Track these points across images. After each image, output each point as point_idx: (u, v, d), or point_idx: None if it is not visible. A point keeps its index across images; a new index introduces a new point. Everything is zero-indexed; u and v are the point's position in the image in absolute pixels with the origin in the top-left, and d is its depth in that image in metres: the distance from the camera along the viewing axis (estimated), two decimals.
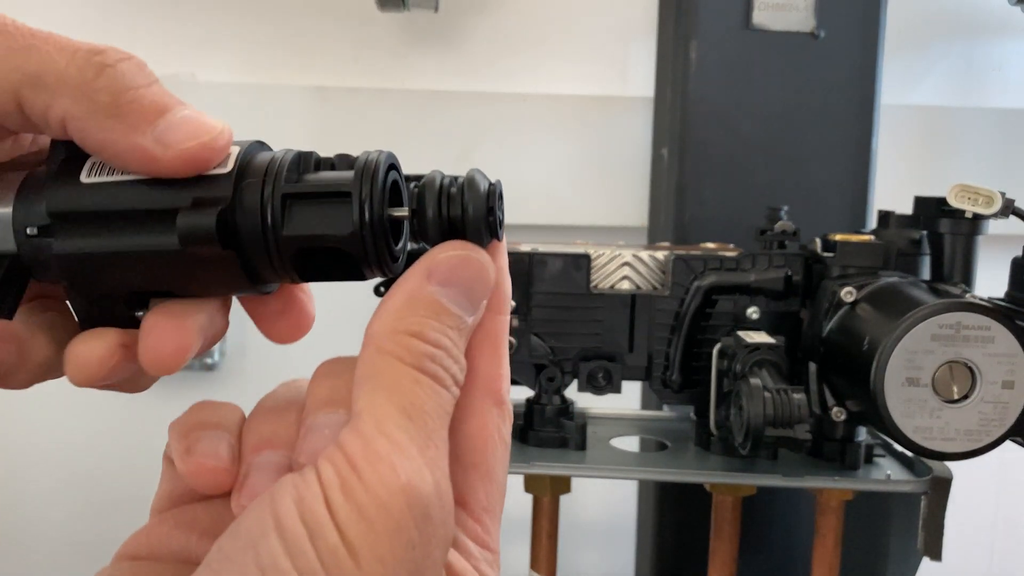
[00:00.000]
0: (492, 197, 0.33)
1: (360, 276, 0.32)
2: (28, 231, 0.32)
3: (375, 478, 0.27)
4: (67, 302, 0.34)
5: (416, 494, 0.27)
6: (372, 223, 0.30)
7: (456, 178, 0.33)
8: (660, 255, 0.72)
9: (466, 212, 0.32)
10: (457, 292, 0.30)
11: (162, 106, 0.31)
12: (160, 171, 0.30)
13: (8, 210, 0.32)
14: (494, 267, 0.32)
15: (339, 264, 0.32)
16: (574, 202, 1.09)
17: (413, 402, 0.28)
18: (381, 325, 0.30)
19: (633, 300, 0.73)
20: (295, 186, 0.31)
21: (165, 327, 0.31)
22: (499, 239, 0.33)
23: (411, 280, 0.30)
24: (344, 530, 0.26)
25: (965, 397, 0.59)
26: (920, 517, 0.68)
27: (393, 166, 0.32)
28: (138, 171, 0.31)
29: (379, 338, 0.29)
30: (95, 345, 0.32)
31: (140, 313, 0.32)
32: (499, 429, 0.32)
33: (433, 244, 0.32)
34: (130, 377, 0.34)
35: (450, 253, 0.31)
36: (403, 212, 0.32)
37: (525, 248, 0.72)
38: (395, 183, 0.33)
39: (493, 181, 0.33)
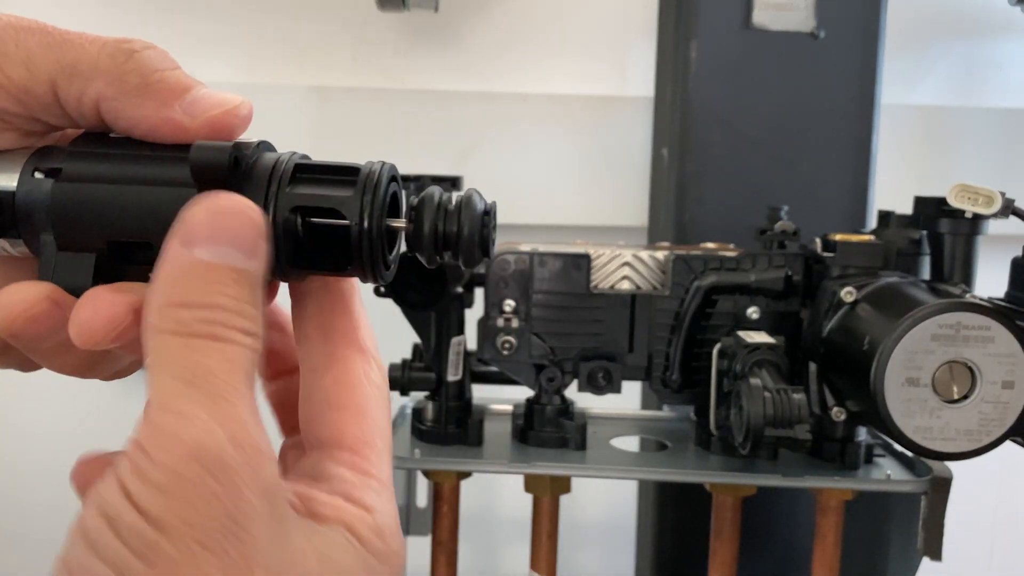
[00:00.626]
0: (488, 217, 0.34)
1: (343, 268, 0.33)
2: (35, 173, 0.33)
3: (161, 452, 0.27)
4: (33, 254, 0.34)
5: (204, 451, 0.27)
6: (371, 229, 0.31)
7: (451, 195, 0.34)
8: (660, 255, 0.72)
9: (461, 230, 0.33)
10: (219, 245, 0.30)
11: (187, 84, 0.33)
12: (190, 139, 0.32)
13: (25, 157, 0.34)
14: (250, 204, 0.31)
15: (330, 249, 0.32)
16: (574, 202, 1.09)
17: (192, 368, 0.28)
18: (149, 307, 0.30)
19: (633, 300, 0.73)
20: (306, 162, 0.33)
21: (103, 297, 0.32)
22: (490, 257, 0.34)
23: (169, 251, 0.30)
24: (144, 508, 0.27)
25: (965, 397, 0.59)
26: (920, 517, 0.68)
27: (394, 178, 0.33)
28: (169, 141, 0.33)
29: (150, 318, 0.30)
30: (23, 288, 0.32)
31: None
32: (366, 373, 0.34)
33: (428, 258, 0.34)
34: (91, 360, 0.35)
35: (199, 209, 0.30)
36: (401, 223, 0.33)
37: (525, 248, 0.72)
38: (394, 195, 0.34)
39: (489, 203, 0.34)
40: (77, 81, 0.33)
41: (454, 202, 0.34)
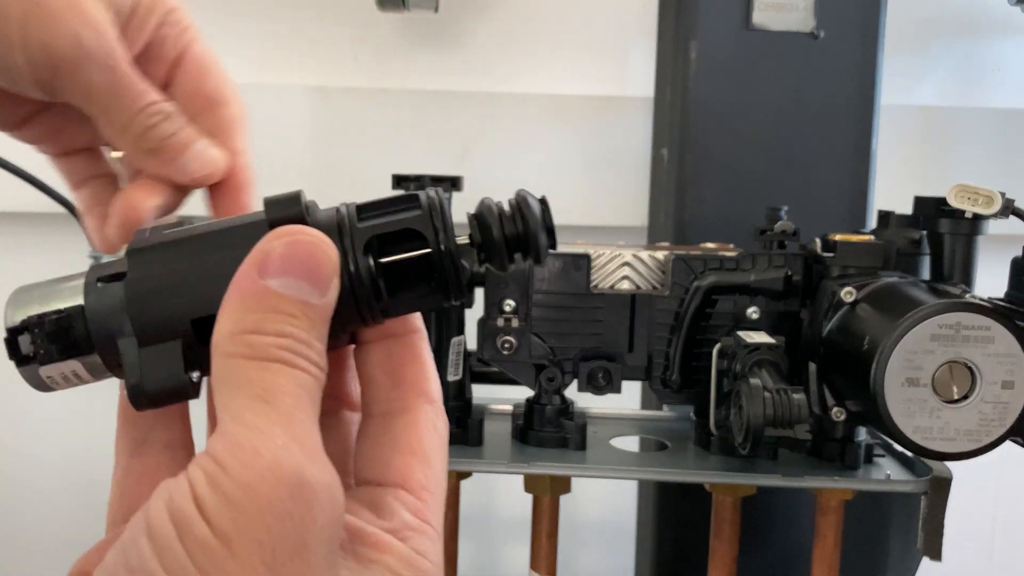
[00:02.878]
0: (546, 211, 0.35)
1: (440, 296, 0.34)
2: (98, 283, 0.33)
3: (238, 465, 0.27)
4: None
5: (285, 468, 0.27)
6: (449, 247, 0.33)
7: (502, 201, 0.35)
8: (660, 255, 0.72)
9: (528, 227, 0.34)
10: (293, 278, 0.30)
11: (185, 144, 0.40)
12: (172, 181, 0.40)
13: (80, 279, 0.34)
14: (329, 242, 0.32)
15: (409, 282, 0.33)
16: (574, 202, 1.09)
17: (266, 388, 0.29)
18: (220, 331, 0.30)
19: (633, 300, 0.73)
20: (366, 202, 0.34)
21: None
22: (555, 248, 0.35)
23: (243, 279, 0.30)
24: (213, 521, 0.26)
25: (965, 397, 0.59)
26: (920, 517, 0.68)
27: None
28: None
29: (221, 345, 0.30)
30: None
31: (195, 375, 0.33)
32: (433, 423, 0.35)
33: (500, 264, 0.35)
34: None
35: (277, 242, 0.31)
36: (465, 239, 0.34)
37: None
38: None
39: (540, 197, 0.35)
40: (99, 113, 0.39)
41: (508, 206, 0.35)
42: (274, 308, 0.30)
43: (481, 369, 0.76)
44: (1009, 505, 1.22)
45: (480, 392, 0.77)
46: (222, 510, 0.26)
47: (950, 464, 0.65)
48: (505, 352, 0.72)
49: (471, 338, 0.74)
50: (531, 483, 0.73)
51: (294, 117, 1.05)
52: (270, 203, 0.33)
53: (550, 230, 0.34)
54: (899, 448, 0.69)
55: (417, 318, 0.36)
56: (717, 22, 0.90)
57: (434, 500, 0.34)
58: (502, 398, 0.81)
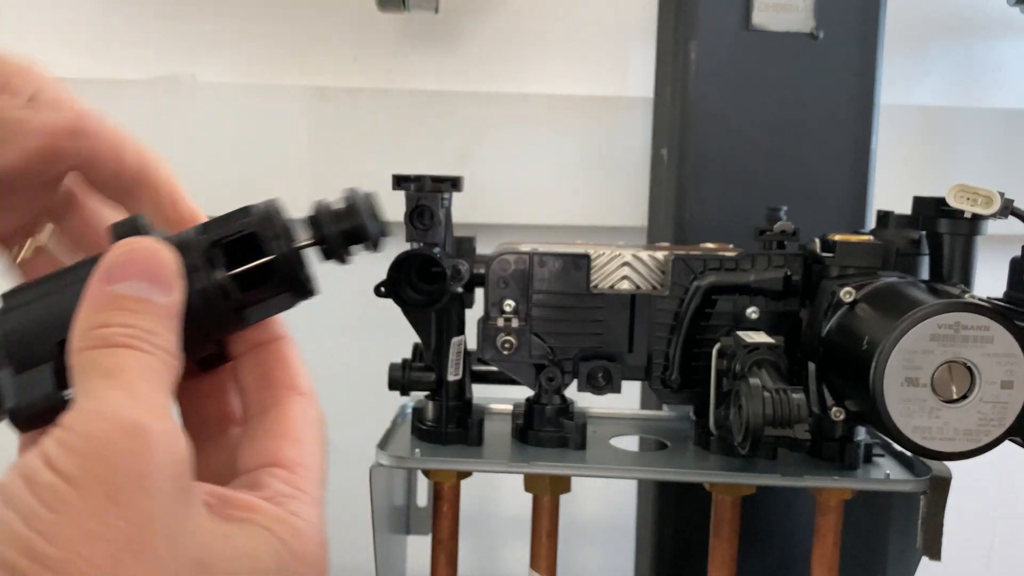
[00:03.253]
0: (372, 203, 0.39)
1: (289, 296, 0.37)
2: None
3: (81, 422, 0.29)
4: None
5: (123, 417, 0.29)
6: (288, 248, 0.36)
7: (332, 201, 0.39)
8: (660, 255, 0.72)
9: (357, 219, 0.38)
10: (135, 281, 0.33)
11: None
12: None
13: None
14: (166, 247, 0.34)
15: (260, 281, 0.36)
16: (574, 202, 1.09)
17: (109, 367, 0.31)
18: (73, 334, 0.32)
19: (633, 300, 0.73)
20: (208, 221, 0.38)
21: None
22: (385, 234, 0.39)
23: (91, 289, 0.33)
24: (58, 468, 0.28)
25: (964, 397, 0.59)
26: (919, 516, 0.68)
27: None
28: None
29: (74, 343, 0.32)
30: None
31: (68, 392, 0.34)
32: (304, 411, 0.38)
33: (340, 257, 0.38)
34: None
35: (117, 252, 0.34)
36: (309, 240, 0.38)
37: (525, 248, 0.72)
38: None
39: (366, 193, 0.39)
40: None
41: (335, 204, 0.38)
42: (119, 306, 0.32)
43: (481, 369, 0.76)
44: (1009, 505, 1.22)
45: (480, 392, 0.77)
46: (66, 458, 0.29)
47: (949, 464, 0.66)
48: (505, 352, 0.72)
49: (471, 338, 0.74)
50: (531, 482, 0.73)
51: (294, 117, 1.05)
52: (114, 226, 0.35)
53: (377, 219, 0.38)
54: (898, 448, 0.69)
55: (281, 325, 0.39)
56: (717, 22, 0.90)
57: (308, 473, 0.36)
58: (502, 398, 0.81)
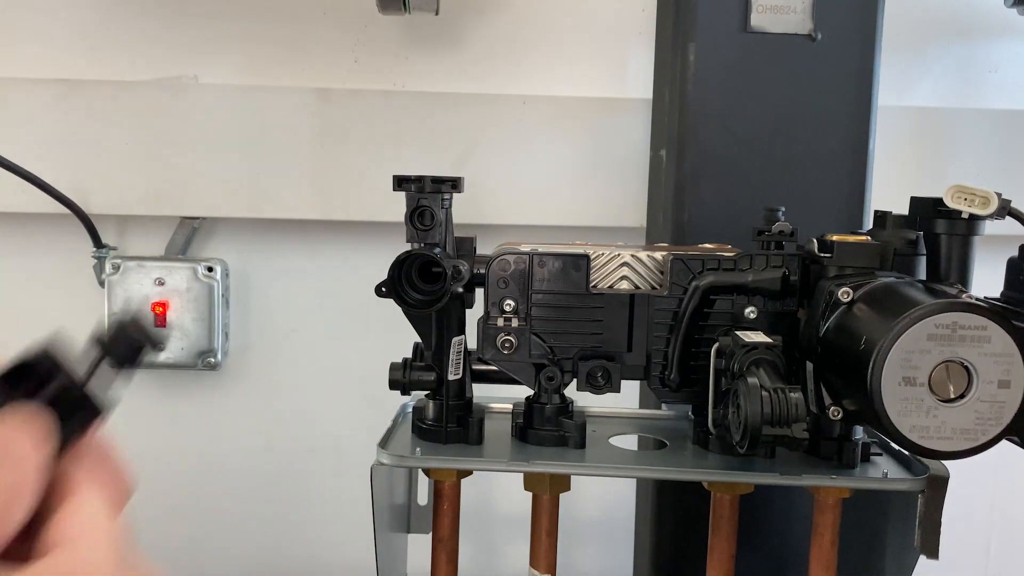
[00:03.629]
0: (134, 319, 0.40)
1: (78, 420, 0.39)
2: None
3: None
4: None
5: None
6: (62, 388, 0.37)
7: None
8: (659, 255, 0.72)
9: (125, 341, 0.39)
10: None
11: None
12: None
13: None
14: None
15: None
16: (574, 202, 1.09)
17: None
18: None
19: (632, 300, 0.73)
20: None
21: None
22: (155, 342, 0.41)
23: None
24: None
25: (961, 396, 0.59)
26: (917, 515, 0.68)
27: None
28: None
29: None
30: None
31: None
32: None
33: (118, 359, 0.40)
34: None
35: None
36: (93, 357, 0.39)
37: (525, 248, 0.73)
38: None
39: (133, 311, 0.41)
40: None
41: (107, 331, 0.40)
42: None
43: (481, 368, 0.77)
44: (1006, 503, 1.22)
45: (480, 391, 0.78)
46: None
47: (947, 463, 0.66)
48: (505, 352, 0.72)
49: (471, 338, 0.75)
50: (531, 481, 0.74)
51: (295, 119, 1.06)
52: None
53: (136, 328, 0.40)
54: (896, 447, 0.69)
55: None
56: (715, 24, 0.91)
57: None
58: (502, 397, 0.81)
